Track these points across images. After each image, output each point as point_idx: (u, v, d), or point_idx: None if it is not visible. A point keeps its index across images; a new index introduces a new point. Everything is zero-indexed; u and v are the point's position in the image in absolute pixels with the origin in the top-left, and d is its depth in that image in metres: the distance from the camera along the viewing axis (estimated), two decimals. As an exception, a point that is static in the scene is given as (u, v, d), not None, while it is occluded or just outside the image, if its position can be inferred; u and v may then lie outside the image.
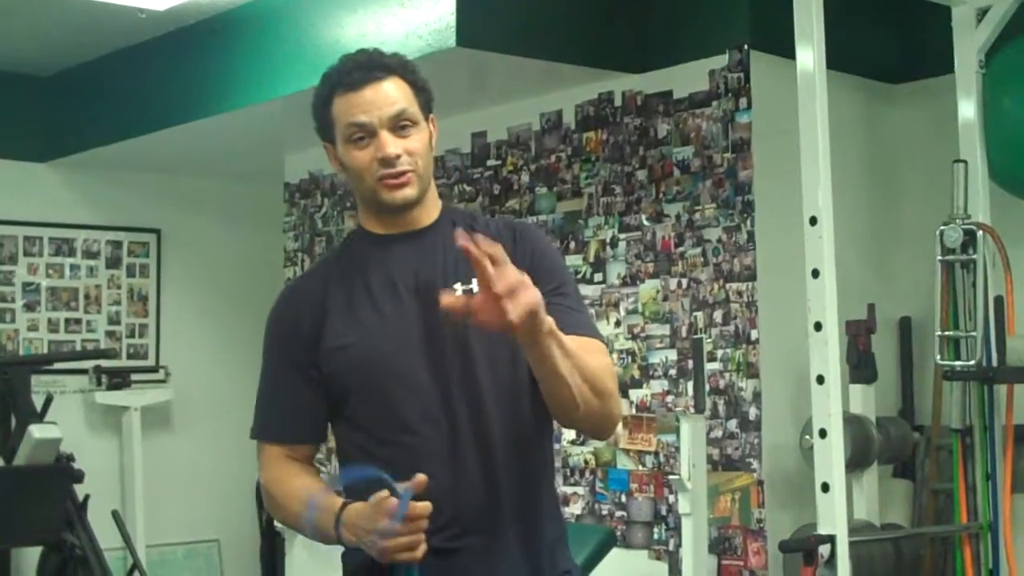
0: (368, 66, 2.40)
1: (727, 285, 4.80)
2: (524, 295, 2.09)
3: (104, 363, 6.80)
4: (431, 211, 2.48)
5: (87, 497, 5.19)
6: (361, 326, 2.38)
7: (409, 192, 2.39)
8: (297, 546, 6.35)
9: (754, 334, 4.72)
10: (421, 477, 2.17)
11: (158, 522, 6.90)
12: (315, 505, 2.32)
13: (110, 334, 7.11)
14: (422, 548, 2.19)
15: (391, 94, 2.38)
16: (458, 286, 2.35)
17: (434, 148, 2.48)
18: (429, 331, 2.36)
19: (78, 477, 5.17)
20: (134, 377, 6.97)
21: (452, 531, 2.32)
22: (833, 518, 3.77)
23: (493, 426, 2.36)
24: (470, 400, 2.35)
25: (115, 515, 5.59)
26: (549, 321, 2.17)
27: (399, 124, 2.38)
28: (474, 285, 2.28)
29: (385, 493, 2.19)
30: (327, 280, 2.47)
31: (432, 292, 2.30)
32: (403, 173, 2.37)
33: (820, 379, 3.80)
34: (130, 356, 7.14)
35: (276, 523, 6.32)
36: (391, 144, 2.36)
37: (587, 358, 2.28)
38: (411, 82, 2.42)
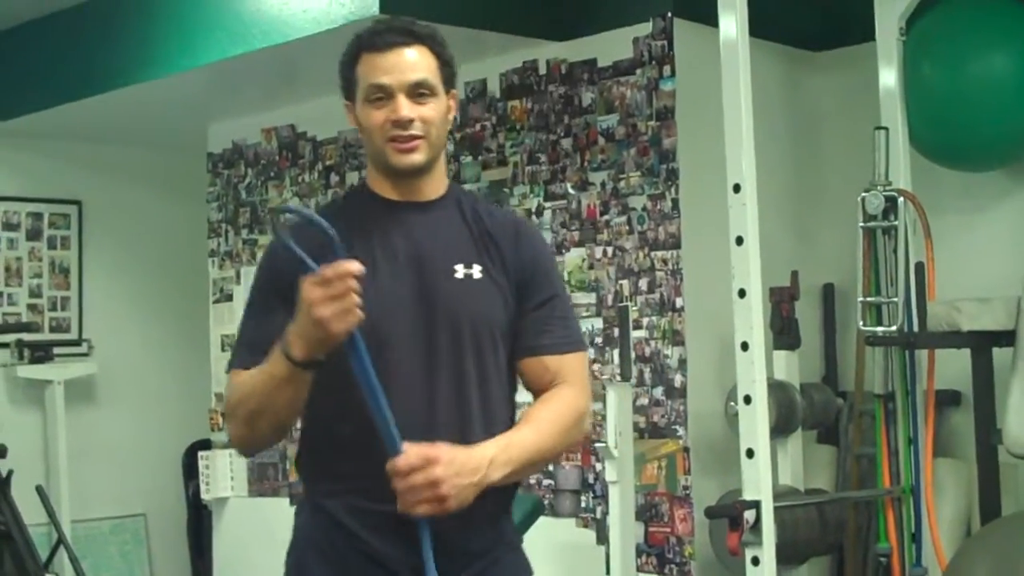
0: (398, 31, 2.48)
1: (652, 253, 4.81)
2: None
3: (26, 336, 6.70)
4: (438, 185, 2.54)
5: (11, 472, 5.13)
6: None
7: (417, 157, 2.45)
8: (224, 519, 6.31)
9: (679, 302, 4.74)
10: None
11: (83, 497, 6.83)
12: (270, 362, 2.31)
13: (32, 307, 7.00)
14: (357, 313, 2.19)
15: (415, 61, 2.45)
16: (459, 267, 2.44)
17: (451, 123, 2.54)
18: (420, 304, 2.42)
19: (0, 452, 5.12)
20: (57, 351, 6.87)
21: None
22: (758, 484, 3.80)
23: (471, 404, 2.42)
24: (452, 376, 2.41)
25: (39, 490, 5.52)
26: (494, 466, 2.34)
27: (418, 91, 2.44)
28: (475, 270, 2.43)
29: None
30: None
31: (431, 267, 2.42)
32: (413, 138, 2.44)
33: (744, 346, 3.83)
34: (52, 329, 7.05)
35: (203, 496, 6.36)
36: (406, 107, 2.42)
37: (536, 448, 2.44)
38: (437, 54, 2.50)
